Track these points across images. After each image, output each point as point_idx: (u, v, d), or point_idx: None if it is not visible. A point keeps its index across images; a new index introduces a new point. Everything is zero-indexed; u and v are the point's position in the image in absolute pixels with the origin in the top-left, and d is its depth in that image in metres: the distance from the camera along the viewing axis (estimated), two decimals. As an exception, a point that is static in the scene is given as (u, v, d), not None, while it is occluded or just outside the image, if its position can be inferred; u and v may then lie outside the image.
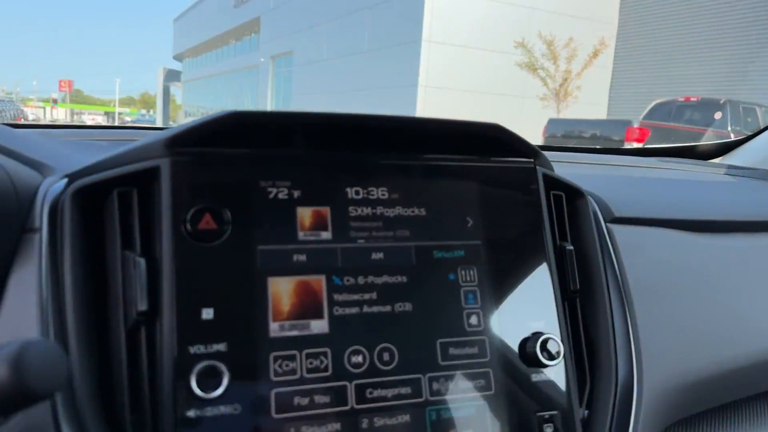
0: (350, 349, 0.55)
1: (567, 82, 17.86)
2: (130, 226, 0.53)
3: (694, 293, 0.71)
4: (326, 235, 0.58)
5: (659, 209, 0.75)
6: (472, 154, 0.64)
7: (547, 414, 0.59)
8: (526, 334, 0.60)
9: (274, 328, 0.54)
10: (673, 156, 1.32)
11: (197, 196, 0.54)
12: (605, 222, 0.71)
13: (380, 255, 0.59)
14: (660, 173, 1.05)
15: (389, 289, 0.58)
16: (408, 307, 0.58)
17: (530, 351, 0.59)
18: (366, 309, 0.57)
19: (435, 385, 0.57)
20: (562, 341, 0.61)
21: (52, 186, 0.55)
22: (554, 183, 0.68)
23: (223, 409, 0.50)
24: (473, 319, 0.60)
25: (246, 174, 0.56)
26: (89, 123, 7.98)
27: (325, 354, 0.55)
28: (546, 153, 0.68)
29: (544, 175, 0.67)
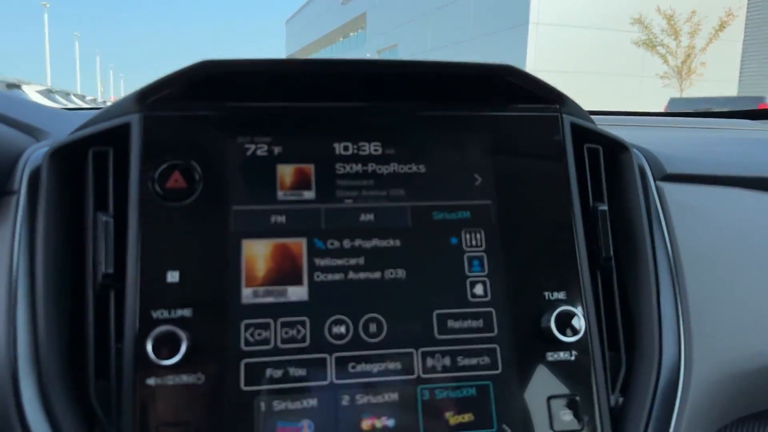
0: (332, 319, 0.50)
1: (690, 58, 16.59)
2: (105, 186, 0.51)
3: (757, 264, 0.58)
4: (309, 194, 0.53)
5: (720, 166, 0.62)
6: (484, 102, 0.56)
7: (564, 398, 0.50)
8: (543, 306, 0.52)
9: (247, 294, 0.49)
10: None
11: (167, 153, 0.51)
12: (655, 180, 0.60)
13: (370, 216, 0.53)
14: (732, 134, 0.89)
15: (379, 254, 0.52)
16: (401, 273, 0.52)
17: (545, 326, 0.51)
18: (352, 275, 0.51)
19: (429, 362, 0.50)
20: (586, 315, 0.52)
21: (38, 150, 0.54)
22: (589, 135, 0.58)
23: (185, 378, 0.47)
24: (478, 289, 0.52)
25: (221, 130, 0.52)
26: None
27: (302, 323, 0.50)
28: (597, 116, 0.58)
29: (575, 126, 0.57)
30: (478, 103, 0.56)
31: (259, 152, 0.52)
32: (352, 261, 0.52)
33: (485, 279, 0.53)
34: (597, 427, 0.50)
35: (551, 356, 0.51)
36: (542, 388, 0.50)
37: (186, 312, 0.48)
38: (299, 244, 0.51)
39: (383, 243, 0.52)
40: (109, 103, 0.59)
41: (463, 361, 0.50)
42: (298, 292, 0.50)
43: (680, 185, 0.60)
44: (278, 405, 0.48)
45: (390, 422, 0.48)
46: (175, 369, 0.47)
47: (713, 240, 0.58)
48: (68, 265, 0.51)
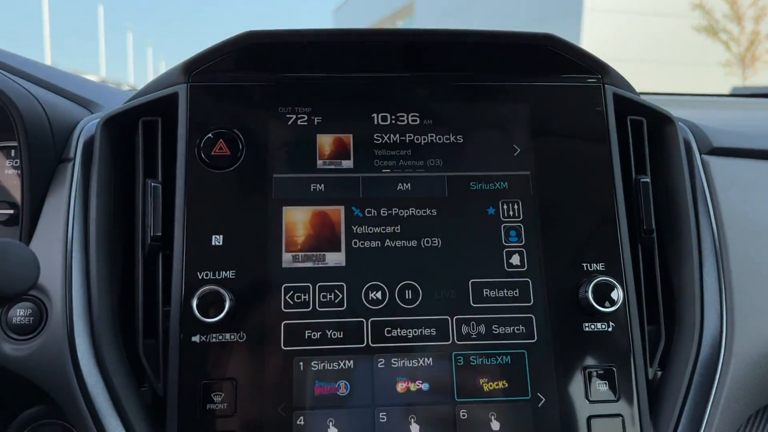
0: (368, 285, 0.51)
1: (754, 45, 15.82)
2: (154, 154, 0.54)
3: None
4: (347, 163, 0.54)
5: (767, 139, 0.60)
6: (525, 72, 0.56)
7: (600, 369, 0.50)
8: (581, 277, 0.52)
9: (287, 259, 0.51)
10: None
11: (212, 122, 0.53)
12: (701, 154, 0.58)
13: (407, 185, 0.54)
14: None
15: (416, 223, 0.53)
16: (437, 242, 0.52)
17: (582, 296, 0.51)
18: (388, 243, 0.52)
19: (464, 329, 0.51)
20: (625, 287, 0.51)
21: (92, 121, 0.57)
22: (633, 106, 0.57)
23: (228, 336, 0.49)
24: (515, 259, 0.52)
25: (264, 100, 0.54)
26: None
27: (340, 288, 0.51)
28: (653, 96, 0.57)
29: (619, 97, 0.57)
30: (518, 73, 0.56)
31: (299, 122, 0.54)
32: (389, 229, 0.52)
33: (522, 249, 0.53)
34: (634, 399, 0.50)
35: (588, 327, 0.51)
36: (578, 358, 0.50)
37: (229, 274, 0.50)
38: (337, 212, 0.53)
39: (420, 212, 0.53)
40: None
41: (498, 330, 0.51)
42: (335, 258, 0.52)
43: (727, 159, 0.58)
44: (316, 365, 0.49)
45: (424, 386, 0.49)
46: (218, 327, 0.49)
47: (759, 215, 0.56)
48: (120, 229, 0.54)
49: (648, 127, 0.58)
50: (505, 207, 0.54)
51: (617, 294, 0.50)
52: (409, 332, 0.50)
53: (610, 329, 0.51)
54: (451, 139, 0.55)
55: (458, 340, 0.50)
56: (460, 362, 0.50)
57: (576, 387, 0.50)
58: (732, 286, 0.53)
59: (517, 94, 0.56)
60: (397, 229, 0.53)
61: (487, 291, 0.52)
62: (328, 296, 0.51)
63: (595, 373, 0.50)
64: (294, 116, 0.54)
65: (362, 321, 0.50)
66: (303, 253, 0.51)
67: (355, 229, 0.52)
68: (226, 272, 0.50)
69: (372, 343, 0.50)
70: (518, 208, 0.54)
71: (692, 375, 0.51)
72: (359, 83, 0.55)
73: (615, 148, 0.55)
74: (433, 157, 0.54)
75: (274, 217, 0.52)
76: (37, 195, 0.53)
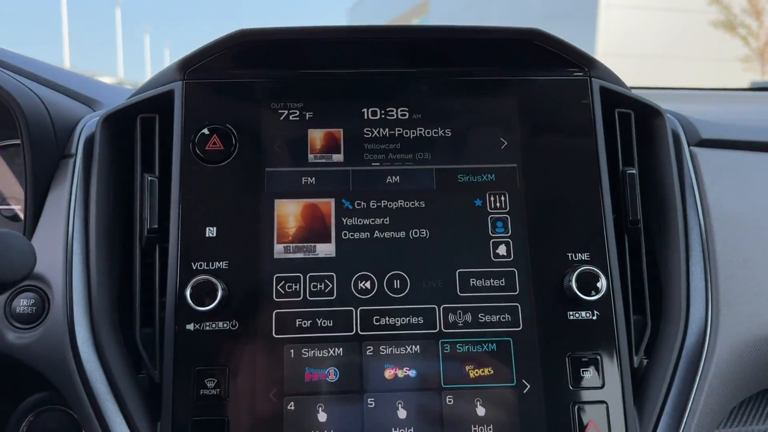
0: (357, 275, 0.53)
1: (774, 39, 15.58)
2: (151, 149, 0.56)
3: None
4: (338, 157, 0.55)
5: (756, 131, 0.61)
6: (513, 66, 0.57)
7: (585, 356, 0.51)
8: (566, 267, 0.53)
9: (279, 250, 0.53)
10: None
11: (206, 118, 0.54)
12: (689, 145, 0.59)
13: (396, 178, 0.55)
14: None
15: (404, 215, 0.54)
16: (425, 233, 0.54)
17: (566, 285, 0.51)
18: (377, 234, 0.54)
19: (451, 317, 0.52)
20: (609, 276, 0.52)
21: (93, 118, 0.59)
22: (621, 99, 0.58)
23: (221, 325, 0.51)
24: (501, 249, 0.53)
25: (257, 96, 0.55)
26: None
27: (330, 278, 0.52)
28: (648, 91, 0.58)
29: (606, 90, 0.57)
30: (506, 68, 0.57)
31: (291, 117, 0.55)
32: (378, 221, 0.54)
33: (508, 240, 0.54)
34: (618, 386, 0.51)
35: (573, 315, 0.52)
36: (563, 346, 0.51)
37: (222, 264, 0.52)
38: (328, 204, 0.54)
39: (408, 204, 0.54)
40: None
41: (484, 318, 0.52)
42: (326, 249, 0.53)
43: (715, 150, 0.59)
44: (306, 353, 0.51)
45: (411, 372, 0.50)
46: (211, 315, 0.50)
47: (746, 205, 0.57)
48: (119, 222, 0.56)
49: (637, 119, 0.58)
50: (492, 199, 0.55)
51: (601, 283, 0.51)
52: (397, 321, 0.52)
53: (594, 317, 0.52)
54: (440, 132, 0.56)
55: (445, 329, 0.52)
56: (447, 350, 0.51)
57: (561, 374, 0.51)
58: (718, 275, 0.53)
59: (505, 88, 0.57)
60: (386, 221, 0.54)
61: (473, 280, 0.53)
62: (319, 286, 0.52)
63: (579, 361, 0.51)
64: (286, 112, 0.55)
65: (351, 310, 0.52)
66: (294, 245, 0.53)
67: (345, 220, 0.54)
68: (219, 263, 0.52)
69: (361, 331, 0.51)
70: (505, 200, 0.55)
71: (677, 363, 0.52)
72: (349, 79, 0.57)
73: (601, 141, 0.56)
74: (422, 151, 0.55)
75: (267, 210, 0.53)
76: (40, 190, 0.55)
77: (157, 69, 0.58)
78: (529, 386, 0.50)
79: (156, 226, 0.53)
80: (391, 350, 0.51)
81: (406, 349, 0.51)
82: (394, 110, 0.56)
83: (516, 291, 0.53)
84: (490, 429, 0.49)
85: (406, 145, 0.56)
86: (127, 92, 0.71)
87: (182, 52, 0.56)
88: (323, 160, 0.55)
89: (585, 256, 0.53)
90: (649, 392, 0.52)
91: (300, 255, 0.53)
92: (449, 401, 0.50)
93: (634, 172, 0.56)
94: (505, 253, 0.53)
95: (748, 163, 0.59)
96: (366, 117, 0.56)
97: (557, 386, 0.50)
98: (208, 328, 0.51)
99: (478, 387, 0.50)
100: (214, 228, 0.52)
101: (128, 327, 0.53)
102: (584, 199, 0.54)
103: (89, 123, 0.58)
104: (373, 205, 0.54)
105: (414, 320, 0.52)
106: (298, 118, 0.55)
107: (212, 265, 0.52)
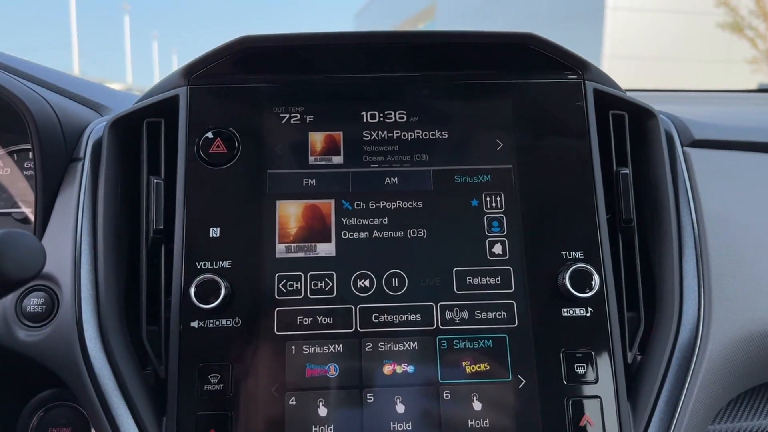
0: (357, 273, 0.54)
1: (782, 40, 15.49)
2: (157, 152, 0.57)
3: None
4: (338, 159, 0.57)
5: (748, 132, 0.62)
6: (508, 70, 0.59)
7: (579, 352, 0.52)
8: (560, 265, 0.54)
9: (280, 249, 0.54)
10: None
11: (210, 122, 0.56)
12: (682, 146, 0.60)
13: (395, 179, 0.56)
14: None
15: (403, 215, 0.55)
16: (422, 233, 0.55)
17: (560, 283, 0.53)
18: (376, 234, 0.55)
19: (448, 314, 0.53)
20: (603, 274, 0.53)
21: (101, 123, 0.61)
22: (616, 102, 0.59)
23: (225, 322, 0.52)
24: (497, 248, 0.55)
25: (259, 100, 0.57)
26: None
27: (330, 277, 0.54)
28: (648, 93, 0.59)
29: (600, 92, 0.59)
30: (501, 71, 0.59)
31: (293, 120, 0.57)
32: (377, 221, 0.55)
33: (504, 239, 0.55)
34: (612, 381, 0.52)
35: (567, 312, 0.53)
36: (558, 342, 0.52)
37: (226, 264, 0.53)
38: (328, 205, 0.56)
39: (406, 204, 0.56)
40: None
41: (480, 315, 0.53)
42: (326, 248, 0.54)
43: (708, 151, 0.60)
44: (307, 349, 0.52)
45: (409, 368, 0.52)
46: (215, 313, 0.52)
47: (738, 204, 0.58)
48: (126, 223, 0.57)
49: (631, 121, 0.60)
50: (488, 199, 0.56)
51: (595, 281, 0.52)
52: (396, 318, 0.53)
53: (588, 314, 0.53)
54: (437, 135, 0.57)
55: (442, 325, 0.53)
56: (444, 346, 0.53)
57: (555, 369, 0.52)
58: (710, 273, 0.54)
59: (501, 91, 0.58)
60: (385, 221, 0.55)
61: (470, 278, 0.54)
62: (319, 284, 0.54)
63: (574, 356, 0.52)
64: (287, 115, 0.57)
65: (351, 307, 0.53)
66: (295, 244, 0.54)
67: (344, 221, 0.55)
68: (222, 262, 0.53)
69: (360, 328, 0.53)
70: (500, 200, 0.56)
71: (670, 358, 0.53)
72: (349, 83, 0.58)
73: (594, 142, 0.57)
74: (420, 153, 0.57)
75: (269, 211, 0.55)
76: (49, 193, 0.57)
77: (166, 74, 0.59)
78: (524, 381, 0.52)
79: (162, 227, 0.55)
80: (390, 347, 0.52)
81: (404, 346, 0.52)
82: (393, 113, 0.58)
83: (511, 288, 0.54)
84: (486, 423, 0.51)
85: (404, 147, 0.57)
86: (133, 98, 0.73)
87: (190, 57, 0.58)
88: (323, 162, 0.56)
89: (579, 255, 0.54)
90: (643, 387, 0.53)
91: (301, 254, 0.54)
92: (446, 396, 0.51)
93: (628, 172, 0.57)
94: (501, 252, 0.55)
95: (741, 162, 0.61)
96: (365, 120, 0.57)
97: (552, 381, 0.52)
98: (211, 325, 0.52)
99: (475, 382, 0.52)
100: (218, 228, 0.54)
101: (135, 325, 0.55)
102: (578, 198, 0.56)
103: (97, 127, 0.60)
104: (372, 206, 0.56)
105: (412, 317, 0.53)
106: (299, 122, 0.57)
107: (216, 265, 0.53)
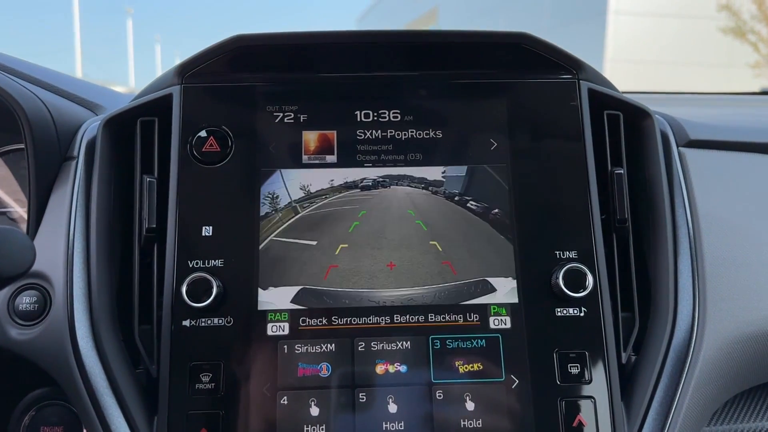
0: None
1: (784, 45, 15.47)
2: (150, 151, 0.57)
3: None
4: (331, 158, 0.56)
5: (744, 132, 0.61)
6: (503, 69, 0.58)
7: (573, 352, 0.52)
8: (554, 264, 0.54)
9: None
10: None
11: (203, 120, 0.56)
12: (678, 146, 0.60)
13: (387, 179, 0.56)
14: None
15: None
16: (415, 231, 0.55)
17: (554, 282, 0.52)
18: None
19: (441, 314, 0.53)
20: (597, 274, 0.53)
21: (95, 122, 0.61)
22: (612, 102, 0.59)
23: (216, 321, 0.52)
24: None
25: (252, 99, 0.57)
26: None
27: None
28: (645, 95, 0.59)
29: (595, 92, 0.58)
30: (495, 70, 0.58)
31: (286, 119, 0.57)
32: None
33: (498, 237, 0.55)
34: (605, 382, 0.51)
35: (560, 312, 0.53)
36: (551, 342, 0.52)
37: (218, 262, 0.53)
38: None
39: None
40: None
41: (473, 315, 0.53)
42: None
43: (703, 151, 0.60)
44: (299, 348, 0.52)
45: (402, 368, 0.52)
46: (207, 312, 0.52)
47: (734, 204, 0.58)
48: (119, 222, 0.57)
49: (627, 121, 0.59)
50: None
51: (588, 281, 0.52)
52: (388, 317, 0.53)
53: (582, 314, 0.53)
54: (431, 134, 0.57)
55: (435, 325, 0.53)
56: (437, 346, 0.52)
57: (549, 369, 0.52)
58: (705, 274, 0.54)
59: (495, 90, 0.58)
60: None
61: None
62: None
63: (567, 357, 0.52)
64: (281, 114, 0.57)
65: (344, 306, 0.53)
66: None
67: None
68: (215, 261, 0.53)
69: (353, 327, 0.52)
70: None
71: (665, 359, 0.52)
72: (343, 83, 0.58)
73: (589, 141, 0.57)
74: (413, 152, 0.57)
75: (262, 209, 0.55)
76: (43, 191, 0.56)
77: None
78: (517, 381, 0.51)
79: (154, 226, 0.55)
80: (383, 346, 0.52)
81: (396, 345, 0.52)
82: (387, 112, 0.58)
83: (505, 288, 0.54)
84: (479, 423, 0.50)
85: (397, 147, 0.57)
86: (127, 96, 0.73)
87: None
88: (317, 161, 0.56)
89: (573, 254, 0.54)
90: (637, 388, 0.52)
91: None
92: (439, 396, 0.51)
93: (622, 172, 0.57)
94: None
95: (736, 163, 0.60)
96: (359, 119, 0.57)
97: (545, 382, 0.51)
98: (203, 324, 0.52)
99: (468, 382, 0.51)
100: (211, 227, 0.54)
101: (127, 324, 0.55)
102: (572, 198, 0.55)
103: (91, 126, 0.60)
104: None
105: (405, 317, 0.53)
106: (292, 121, 0.57)
107: (208, 263, 0.53)
